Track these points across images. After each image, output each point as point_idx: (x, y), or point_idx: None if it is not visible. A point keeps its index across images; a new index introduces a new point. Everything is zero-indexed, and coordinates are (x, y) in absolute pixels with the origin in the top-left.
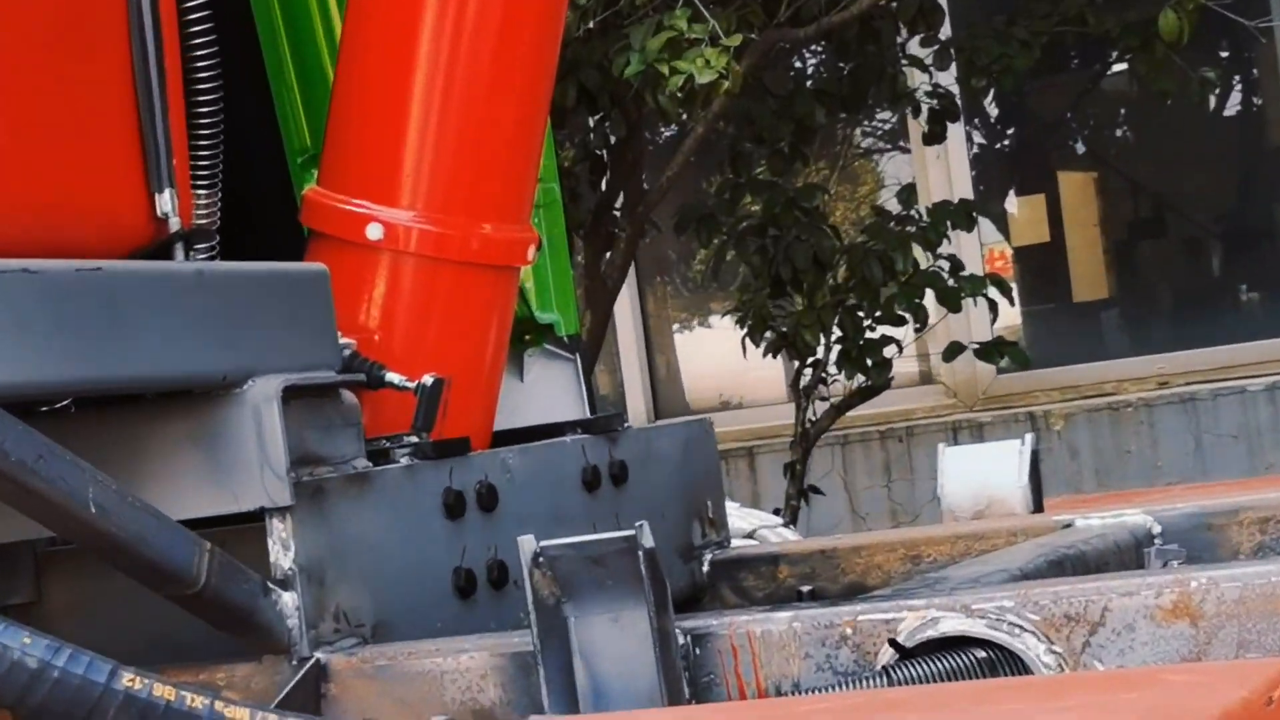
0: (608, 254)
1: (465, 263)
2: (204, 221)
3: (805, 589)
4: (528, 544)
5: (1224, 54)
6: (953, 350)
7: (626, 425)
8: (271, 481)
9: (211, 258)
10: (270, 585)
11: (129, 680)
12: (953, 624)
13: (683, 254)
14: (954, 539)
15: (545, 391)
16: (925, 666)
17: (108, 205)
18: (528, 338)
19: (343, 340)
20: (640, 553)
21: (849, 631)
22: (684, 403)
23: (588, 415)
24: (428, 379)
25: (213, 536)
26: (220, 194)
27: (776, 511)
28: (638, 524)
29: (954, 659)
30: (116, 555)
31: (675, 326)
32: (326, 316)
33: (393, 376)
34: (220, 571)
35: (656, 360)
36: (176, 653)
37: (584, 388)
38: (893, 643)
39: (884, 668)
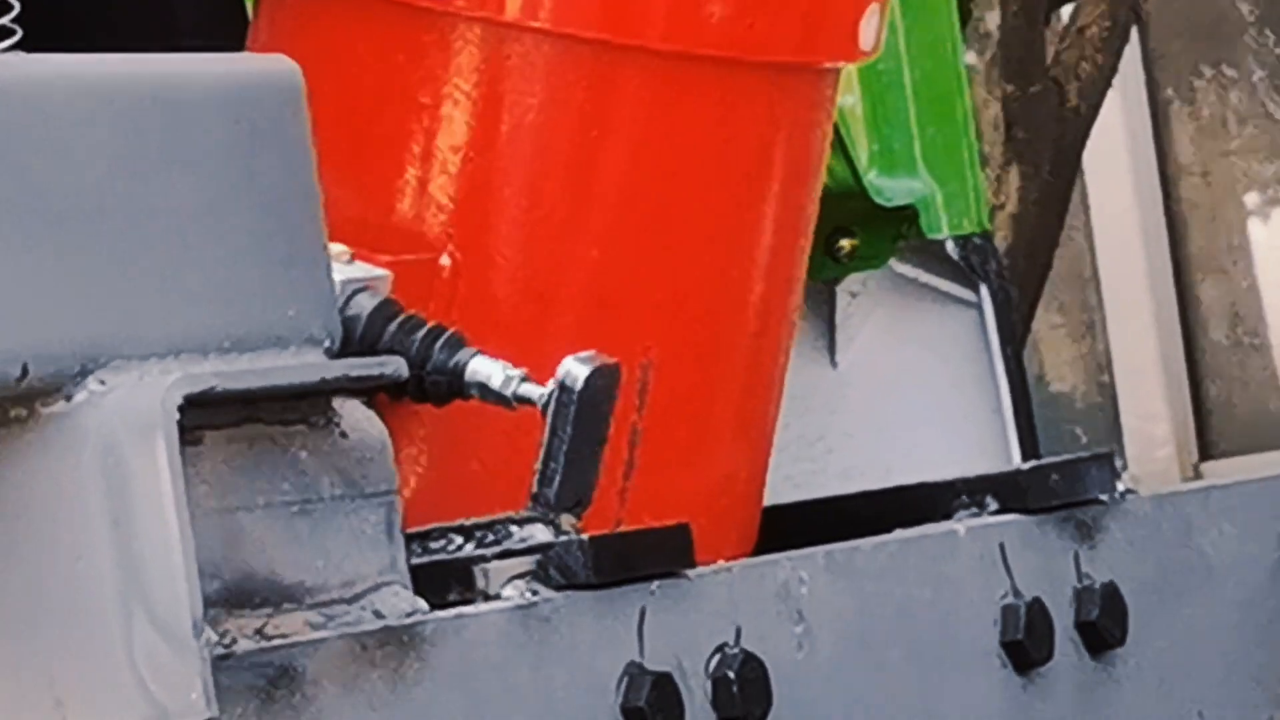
0: (1064, 12)
1: (687, 56)
2: None
3: None
4: None
5: None
6: None
7: (1124, 489)
8: (153, 655)
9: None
10: None
11: None
12: None
13: (1273, 7)
14: None
15: (895, 392)
16: None
17: None
18: (847, 246)
19: (343, 269)
20: None
21: None
22: (1278, 412)
23: (1014, 458)
24: (576, 369)
25: None
26: None
27: None
28: None
29: None
30: None
31: (1254, 205)
32: (301, 201)
33: (482, 366)
34: None
35: (1201, 299)
36: None
37: (1001, 379)
38: None
39: None
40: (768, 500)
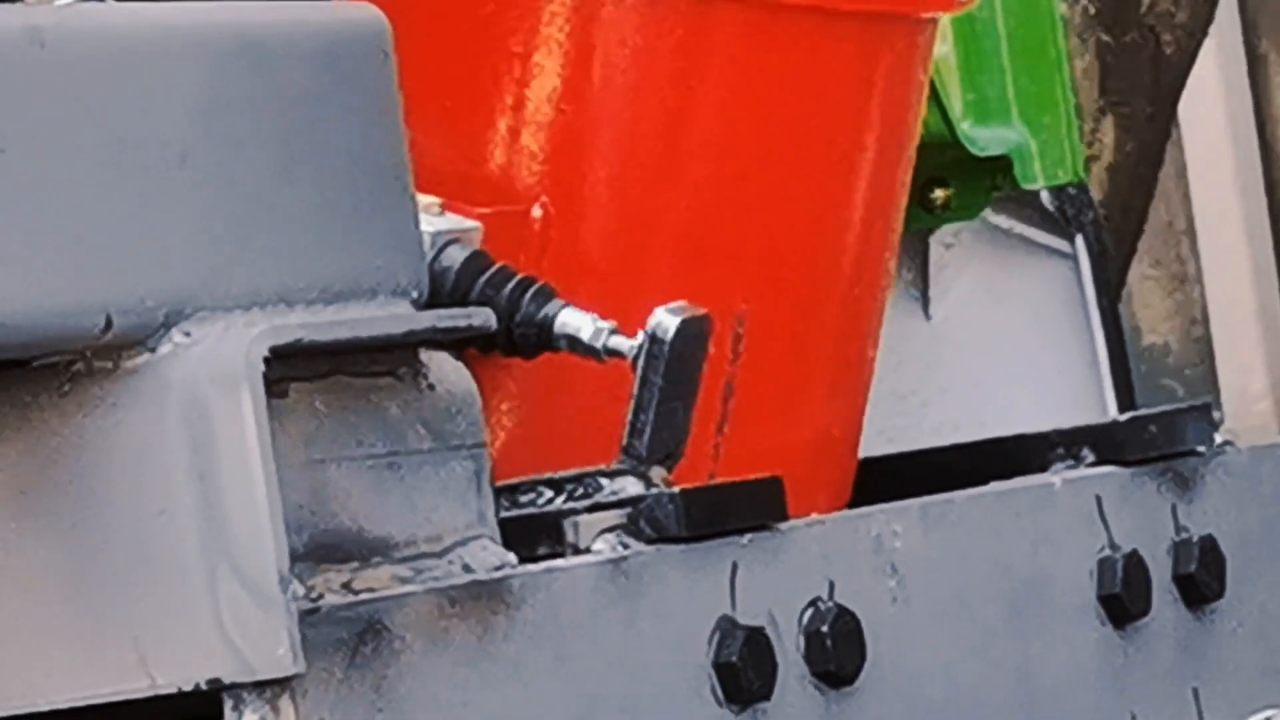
0: None
1: (783, 5)
2: None
3: None
4: None
5: None
6: None
7: (1222, 441)
8: (239, 610)
9: None
10: None
11: None
12: None
13: None
14: None
15: (990, 344)
16: None
17: None
18: (940, 196)
19: (435, 220)
20: None
21: None
22: None
23: (1109, 410)
24: (666, 319)
25: None
26: None
27: None
28: (1255, 715)
29: None
30: None
31: None
32: (386, 150)
33: (572, 318)
34: None
35: None
36: None
37: (1098, 331)
38: None
39: None
40: (862, 454)
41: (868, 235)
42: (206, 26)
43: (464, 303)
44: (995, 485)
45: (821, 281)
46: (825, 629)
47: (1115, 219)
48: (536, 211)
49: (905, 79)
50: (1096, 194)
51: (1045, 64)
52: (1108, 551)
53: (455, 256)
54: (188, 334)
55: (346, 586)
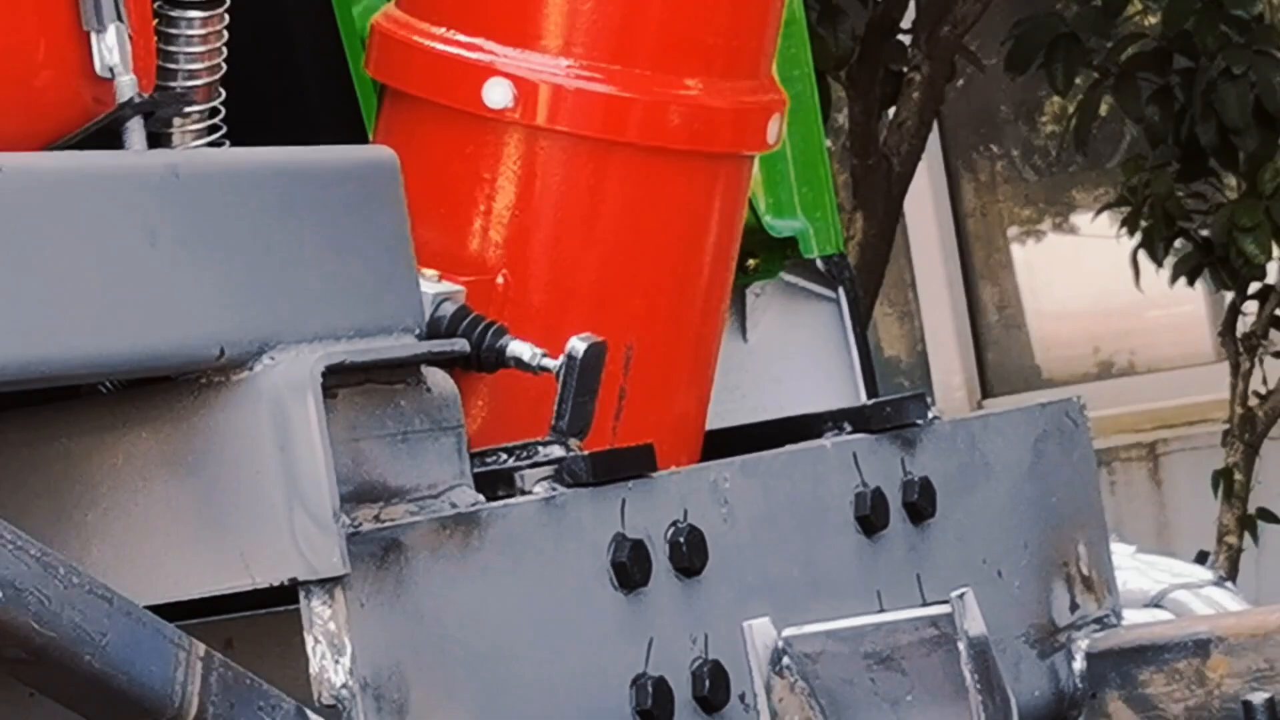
0: (890, 112)
1: (657, 149)
2: (188, 86)
3: (1260, 698)
4: (761, 634)
5: None
6: None
7: (933, 416)
8: (308, 533)
9: (210, 142)
10: (312, 716)
11: None
12: None
13: (1022, 108)
14: None
15: (785, 357)
16: None
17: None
18: (752, 263)
19: (434, 285)
20: (961, 645)
21: None
22: (1032, 367)
23: (861, 398)
24: (577, 345)
25: (209, 632)
26: (223, 39)
27: (1203, 557)
28: (955, 591)
29: None
30: (33, 665)
31: (1014, 235)
32: (398, 241)
33: (518, 347)
34: (221, 694)
35: (981, 295)
36: None
37: (854, 348)
38: None
39: None
40: (707, 427)
41: (711, 292)
42: (286, 163)
43: (450, 337)
44: (790, 447)
45: (682, 322)
46: (682, 540)
47: (864, 277)
48: (499, 280)
49: (736, 194)
50: (852, 261)
51: (818, 178)
52: (861, 488)
53: (446, 308)
54: (273, 358)
55: (376, 518)
